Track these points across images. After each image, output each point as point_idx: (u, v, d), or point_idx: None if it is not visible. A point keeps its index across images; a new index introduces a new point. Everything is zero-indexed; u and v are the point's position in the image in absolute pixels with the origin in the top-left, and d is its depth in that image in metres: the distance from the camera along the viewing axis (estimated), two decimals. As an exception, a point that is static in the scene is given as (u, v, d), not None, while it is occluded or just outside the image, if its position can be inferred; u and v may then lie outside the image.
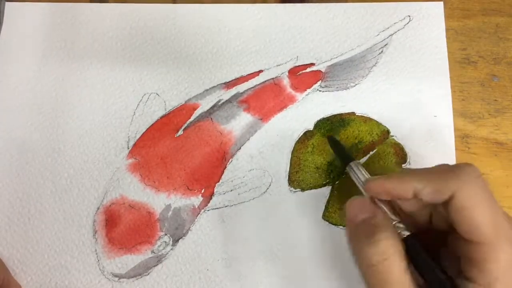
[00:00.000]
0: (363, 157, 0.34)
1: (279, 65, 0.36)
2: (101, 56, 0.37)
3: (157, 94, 0.36)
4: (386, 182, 0.26)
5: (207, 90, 0.36)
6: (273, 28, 0.37)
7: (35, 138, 0.35)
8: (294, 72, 0.36)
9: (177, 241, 0.33)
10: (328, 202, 0.33)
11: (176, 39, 0.37)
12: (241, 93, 0.35)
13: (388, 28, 0.36)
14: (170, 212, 0.33)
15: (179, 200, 0.33)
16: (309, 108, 0.35)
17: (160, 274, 0.32)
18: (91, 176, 0.34)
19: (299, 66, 0.36)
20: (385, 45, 0.36)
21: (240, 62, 0.36)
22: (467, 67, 0.36)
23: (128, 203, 0.33)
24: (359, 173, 0.29)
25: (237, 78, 0.36)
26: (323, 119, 0.35)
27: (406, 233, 0.25)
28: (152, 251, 0.32)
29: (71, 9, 0.38)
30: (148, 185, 0.34)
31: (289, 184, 0.34)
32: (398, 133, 0.34)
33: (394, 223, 0.26)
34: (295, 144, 0.34)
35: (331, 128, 0.34)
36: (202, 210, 0.33)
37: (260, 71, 0.36)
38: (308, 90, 0.35)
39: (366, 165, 0.34)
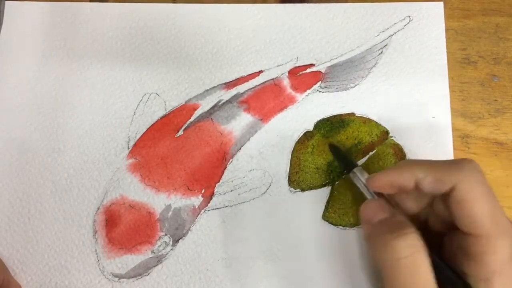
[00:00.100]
0: (362, 157, 0.34)
1: (279, 66, 0.36)
2: (101, 56, 0.37)
3: (157, 94, 0.36)
4: (389, 173, 0.26)
5: (207, 90, 0.36)
6: (273, 28, 0.37)
7: (35, 138, 0.35)
8: (294, 72, 0.36)
9: (177, 241, 0.33)
10: (328, 202, 0.33)
11: (176, 39, 0.37)
12: (241, 93, 0.35)
13: (388, 28, 0.36)
14: (170, 212, 0.33)
15: (179, 200, 0.33)
16: (309, 109, 0.35)
17: (160, 274, 0.32)
18: (91, 176, 0.34)
19: (299, 66, 0.36)
20: (385, 45, 0.36)
21: (240, 62, 0.36)
22: (467, 67, 0.36)
23: (128, 203, 0.33)
24: (363, 179, 0.29)
25: (237, 78, 0.36)
26: (323, 119, 0.35)
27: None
28: (152, 251, 0.32)
29: (71, 8, 0.38)
30: (148, 185, 0.34)
31: (289, 184, 0.34)
32: (397, 134, 0.34)
33: None
34: (295, 144, 0.34)
35: (331, 128, 0.34)
36: (202, 210, 0.33)
37: (260, 71, 0.36)
38: (308, 91, 0.35)
39: (365, 166, 0.34)
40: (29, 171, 0.34)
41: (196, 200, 0.33)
